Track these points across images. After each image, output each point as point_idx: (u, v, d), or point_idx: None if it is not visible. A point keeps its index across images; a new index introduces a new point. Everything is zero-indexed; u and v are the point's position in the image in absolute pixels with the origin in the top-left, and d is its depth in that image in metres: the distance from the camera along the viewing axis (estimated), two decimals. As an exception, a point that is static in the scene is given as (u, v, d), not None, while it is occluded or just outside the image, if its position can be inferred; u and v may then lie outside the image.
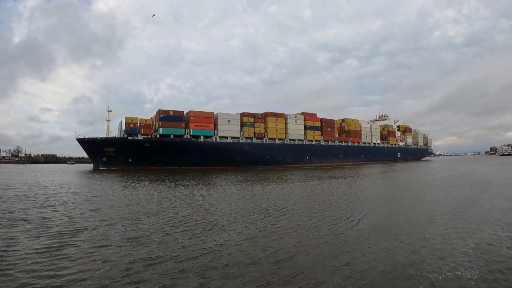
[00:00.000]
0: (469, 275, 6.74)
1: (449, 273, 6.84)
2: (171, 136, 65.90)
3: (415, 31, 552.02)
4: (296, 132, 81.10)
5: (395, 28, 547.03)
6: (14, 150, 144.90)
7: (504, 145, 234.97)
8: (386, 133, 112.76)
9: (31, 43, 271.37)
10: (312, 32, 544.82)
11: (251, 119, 74.95)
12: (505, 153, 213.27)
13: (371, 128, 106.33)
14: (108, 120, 69.77)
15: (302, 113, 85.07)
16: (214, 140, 69.43)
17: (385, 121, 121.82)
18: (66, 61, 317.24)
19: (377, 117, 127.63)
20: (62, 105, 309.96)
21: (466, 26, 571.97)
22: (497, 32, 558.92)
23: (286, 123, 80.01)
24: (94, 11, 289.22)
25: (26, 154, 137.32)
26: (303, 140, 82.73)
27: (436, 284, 6.37)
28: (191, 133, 67.51)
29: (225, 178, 36.16)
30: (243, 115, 74.71)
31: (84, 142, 64.06)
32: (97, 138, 63.62)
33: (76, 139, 64.15)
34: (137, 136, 64.46)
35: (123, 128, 65.58)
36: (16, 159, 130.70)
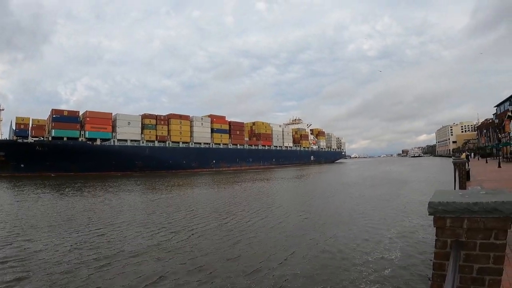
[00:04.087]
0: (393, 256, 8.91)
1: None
2: (65, 139, 64.32)
3: (331, 42, 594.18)
4: (202, 135, 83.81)
5: (312, 39, 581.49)
6: None
7: (415, 147, 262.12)
8: (299, 137, 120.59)
9: None
10: (233, 38, 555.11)
11: (153, 121, 75.60)
12: (415, 155, 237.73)
13: (283, 131, 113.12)
14: (0, 120, 66.08)
15: (209, 115, 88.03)
16: (111, 143, 69.00)
17: (298, 125, 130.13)
18: None
19: (290, 121, 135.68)
20: None
21: (379, 41, 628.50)
22: (407, 47, 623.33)
23: (191, 126, 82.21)
24: None
25: None
26: (209, 144, 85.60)
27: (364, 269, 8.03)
28: (87, 136, 66.58)
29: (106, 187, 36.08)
30: (144, 116, 75.04)
31: (-33, 145, 59.82)
32: (-18, 140, 59.90)
33: (-41, 141, 59.69)
34: (27, 138, 61.99)
35: (14, 129, 62.48)
36: None
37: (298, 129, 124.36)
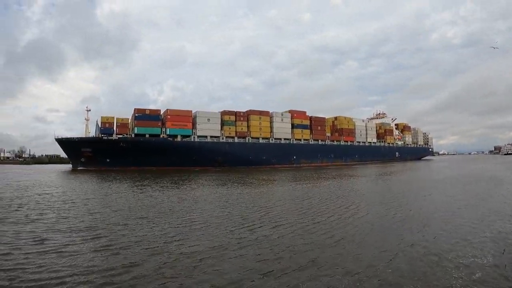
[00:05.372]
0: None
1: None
2: (147, 136, 63.61)
3: (413, 33, 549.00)
4: (282, 130, 77.72)
5: (392, 30, 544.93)
6: (18, 151, 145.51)
7: (508, 144, 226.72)
8: (383, 132, 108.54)
9: (40, 44, 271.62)
10: (311, 35, 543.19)
11: (233, 118, 71.80)
12: (509, 152, 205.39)
13: (366, 126, 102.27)
14: (87, 120, 67.80)
15: (289, 111, 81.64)
16: (192, 140, 66.65)
17: (382, 119, 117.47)
18: (76, 61, 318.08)
19: (374, 115, 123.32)
20: (69, 106, 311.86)
21: (463, 28, 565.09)
22: (494, 33, 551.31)
23: (271, 121, 76.69)
24: (105, 10, 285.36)
25: (30, 155, 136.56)
26: (290, 139, 79.32)
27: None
28: (168, 132, 64.95)
29: (201, 180, 34.47)
30: (223, 113, 71.69)
31: (61, 142, 62.39)
32: (73, 138, 61.93)
33: (55, 139, 62.49)
34: (112, 136, 62.67)
35: (100, 127, 63.82)
36: (20, 159, 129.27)
37: (382, 123, 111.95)
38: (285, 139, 78.36)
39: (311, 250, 8.81)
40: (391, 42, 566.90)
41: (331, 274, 7.10)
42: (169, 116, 65.57)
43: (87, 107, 67.84)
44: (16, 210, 15.09)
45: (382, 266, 7.56)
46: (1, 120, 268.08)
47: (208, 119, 68.85)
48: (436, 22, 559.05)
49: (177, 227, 11.56)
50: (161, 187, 26.60)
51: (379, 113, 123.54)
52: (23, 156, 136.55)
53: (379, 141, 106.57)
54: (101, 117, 63.98)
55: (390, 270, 7.30)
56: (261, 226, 11.62)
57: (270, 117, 76.92)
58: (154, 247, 8.97)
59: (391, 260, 7.95)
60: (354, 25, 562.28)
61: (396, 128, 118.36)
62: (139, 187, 26.68)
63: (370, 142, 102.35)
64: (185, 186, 27.41)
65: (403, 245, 9.20)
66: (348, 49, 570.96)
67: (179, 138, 65.46)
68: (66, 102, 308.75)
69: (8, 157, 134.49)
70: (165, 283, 6.68)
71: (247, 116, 73.72)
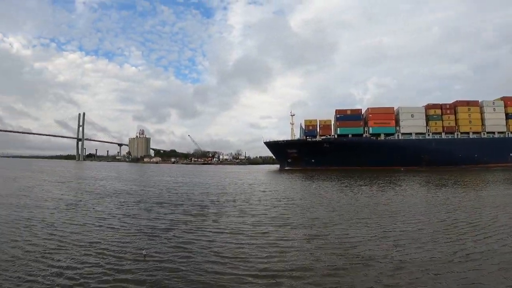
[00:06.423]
0: None
1: None
2: (349, 136, 63.61)
3: None
4: (494, 122, 66.22)
5: None
6: (235, 153, 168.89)
7: None
8: None
9: (246, 61, 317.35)
10: None
11: (438, 111, 64.93)
12: None
13: None
14: (292, 124, 72.22)
15: (501, 98, 69.07)
16: (396, 138, 63.30)
17: None
18: (281, 71, 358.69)
19: None
20: (279, 112, 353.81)
21: None
22: None
23: (481, 112, 66.26)
24: (298, 21, 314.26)
25: (245, 157, 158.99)
26: (504, 132, 67.26)
27: None
28: (370, 132, 63.74)
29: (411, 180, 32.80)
30: (427, 107, 65.77)
31: (270, 145, 68.56)
32: (280, 141, 66.93)
33: (264, 142, 69.41)
34: (315, 138, 65.01)
35: (304, 130, 67.90)
36: (236, 160, 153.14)
37: None
38: (498, 132, 66.81)
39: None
40: None
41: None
42: (370, 115, 64.10)
43: (291, 112, 72.83)
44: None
45: None
46: (221, 128, 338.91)
47: (412, 115, 64.23)
48: None
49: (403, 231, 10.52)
50: (377, 187, 25.79)
51: None
52: (239, 157, 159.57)
53: None
54: (304, 120, 68.06)
55: None
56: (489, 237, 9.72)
57: (480, 107, 66.50)
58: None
59: None
60: None
61: None
62: (348, 186, 27.08)
63: None
64: (395, 187, 26.11)
65: None
66: None
67: (382, 137, 63.52)
68: (276, 108, 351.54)
69: (226, 159, 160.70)
70: None
71: (454, 108, 65.62)
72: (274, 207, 15.68)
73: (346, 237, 9.75)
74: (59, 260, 7.45)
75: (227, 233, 10.20)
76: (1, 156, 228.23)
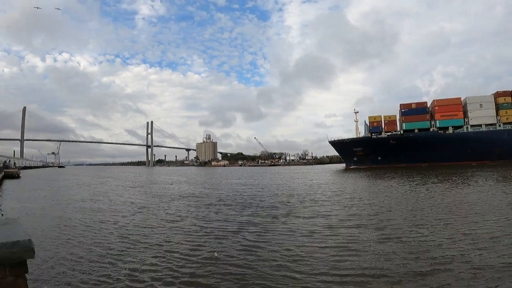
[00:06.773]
0: None
1: None
2: (416, 131, 64.55)
3: None
4: None
5: None
6: (301, 154, 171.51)
7: None
8: None
9: (307, 60, 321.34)
10: None
11: (509, 99, 62.46)
12: None
13: None
14: (356, 121, 73.02)
15: None
16: (464, 130, 63.06)
17: None
18: (343, 67, 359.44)
19: None
20: (344, 110, 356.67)
21: None
22: None
23: (559, 95, 62.95)
24: (356, 14, 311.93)
25: (312, 157, 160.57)
26: None
27: None
28: (437, 125, 63.76)
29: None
30: (497, 95, 63.38)
31: (335, 144, 71.41)
32: (344, 139, 69.70)
33: (329, 141, 72.09)
34: (380, 134, 66.92)
35: (368, 126, 69.10)
36: (303, 161, 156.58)
37: None
38: None
39: None
40: None
41: None
42: (436, 107, 64.02)
43: (354, 109, 73.59)
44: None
45: None
46: (286, 129, 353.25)
47: (480, 105, 63.08)
48: None
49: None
50: (450, 184, 24.27)
51: None
52: (305, 158, 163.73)
53: None
54: (369, 117, 69.00)
55: None
56: None
57: (556, 91, 63.60)
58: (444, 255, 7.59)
59: None
60: None
61: None
62: (420, 184, 25.50)
63: None
64: (470, 183, 24.80)
65: None
66: None
67: (450, 130, 63.28)
68: (341, 106, 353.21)
69: (293, 160, 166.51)
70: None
71: (525, 94, 63.30)
72: (345, 207, 15.39)
73: (422, 237, 9.25)
74: (131, 262, 7.68)
75: (297, 235, 10.12)
76: (75, 165, 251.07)
